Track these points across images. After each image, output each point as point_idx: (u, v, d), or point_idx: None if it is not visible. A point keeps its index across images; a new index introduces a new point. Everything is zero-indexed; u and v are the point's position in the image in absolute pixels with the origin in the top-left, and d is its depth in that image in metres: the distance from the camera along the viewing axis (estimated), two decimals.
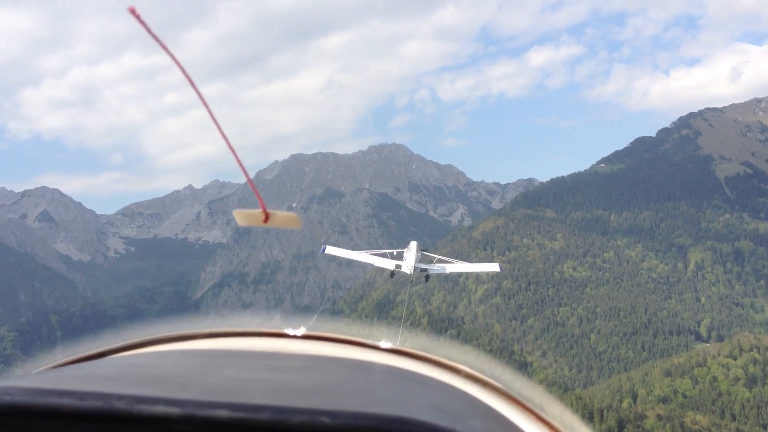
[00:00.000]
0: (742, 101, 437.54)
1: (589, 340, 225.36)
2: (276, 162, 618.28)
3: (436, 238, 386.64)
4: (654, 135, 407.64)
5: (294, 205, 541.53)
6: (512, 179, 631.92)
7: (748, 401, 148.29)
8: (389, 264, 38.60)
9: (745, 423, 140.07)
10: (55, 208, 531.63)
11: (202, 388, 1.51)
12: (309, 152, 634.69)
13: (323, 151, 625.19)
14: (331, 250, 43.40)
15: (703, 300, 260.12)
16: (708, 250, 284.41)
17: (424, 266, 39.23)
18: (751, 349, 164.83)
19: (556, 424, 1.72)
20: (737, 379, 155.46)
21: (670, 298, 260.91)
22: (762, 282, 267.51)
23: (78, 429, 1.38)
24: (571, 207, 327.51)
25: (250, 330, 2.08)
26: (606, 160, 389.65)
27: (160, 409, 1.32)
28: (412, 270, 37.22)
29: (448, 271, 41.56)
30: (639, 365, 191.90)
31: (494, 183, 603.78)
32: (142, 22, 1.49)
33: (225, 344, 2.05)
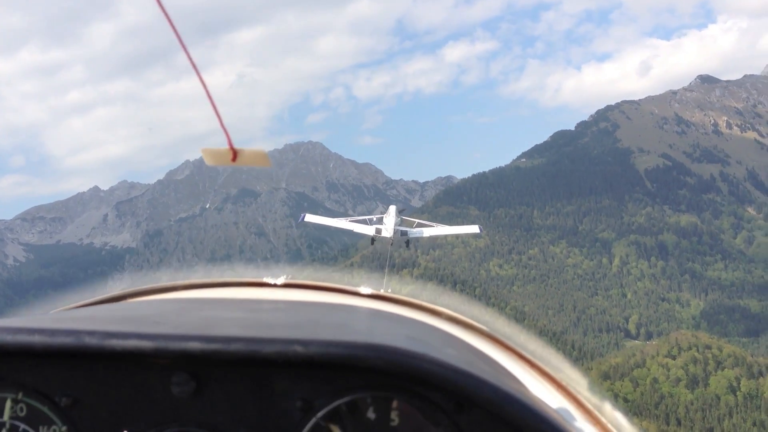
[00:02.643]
0: (658, 93, 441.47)
1: None
2: (187, 162, 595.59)
3: (357, 239, 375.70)
4: (573, 128, 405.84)
5: (207, 206, 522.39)
6: (431, 177, 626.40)
7: (692, 404, 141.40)
8: (369, 230, 38.52)
9: (692, 428, 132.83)
10: None
11: (176, 325, 1.51)
12: None
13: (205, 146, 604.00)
14: (310, 218, 43.94)
15: (629, 296, 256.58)
16: (632, 245, 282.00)
17: (404, 229, 39.13)
18: (690, 348, 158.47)
19: (537, 362, 1.74)
20: (678, 380, 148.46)
21: (596, 294, 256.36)
22: (686, 276, 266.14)
23: (51, 367, 1.39)
24: (494, 203, 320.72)
25: (230, 280, 2.08)
26: (526, 154, 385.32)
27: (132, 343, 1.31)
28: (392, 233, 37.38)
29: (428, 234, 41.38)
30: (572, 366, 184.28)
31: (413, 181, 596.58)
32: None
33: (205, 293, 2.06)
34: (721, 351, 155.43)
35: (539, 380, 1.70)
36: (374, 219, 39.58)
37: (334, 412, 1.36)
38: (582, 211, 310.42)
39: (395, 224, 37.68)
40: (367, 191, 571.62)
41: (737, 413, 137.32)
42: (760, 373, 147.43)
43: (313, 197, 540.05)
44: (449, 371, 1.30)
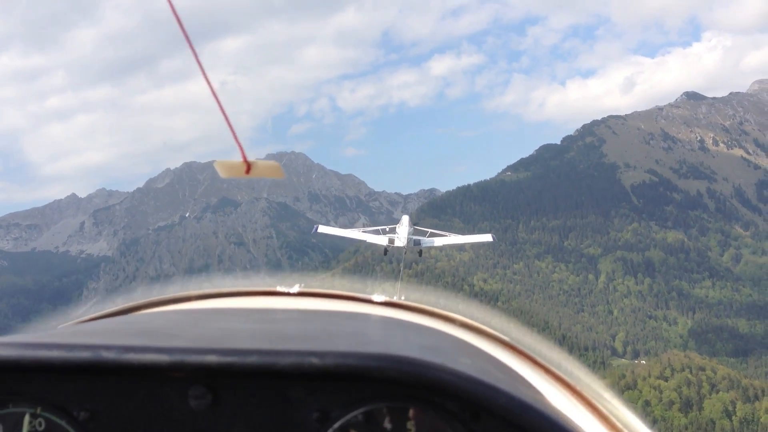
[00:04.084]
0: (644, 109, 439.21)
1: None
2: (168, 170, 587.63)
3: (338, 251, 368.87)
4: (558, 143, 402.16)
5: (187, 215, 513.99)
6: (414, 190, 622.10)
7: (686, 428, 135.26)
8: (382, 240, 38.42)
9: None
10: None
11: (192, 338, 1.51)
12: (203, 161, 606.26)
13: (218, 159, 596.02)
14: (324, 229, 44.77)
15: (615, 313, 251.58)
16: (618, 261, 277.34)
17: (417, 238, 38.99)
18: (683, 369, 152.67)
19: (553, 368, 1.73)
20: (672, 402, 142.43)
21: (582, 311, 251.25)
22: (674, 294, 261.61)
23: (69, 382, 1.39)
24: (479, 217, 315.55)
25: (243, 290, 2.08)
26: (512, 168, 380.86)
27: (149, 357, 1.32)
28: (406, 243, 37.21)
29: (441, 244, 41.59)
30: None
31: (396, 193, 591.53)
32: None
33: (218, 303, 2.06)
34: (715, 373, 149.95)
35: (555, 387, 1.70)
36: (387, 229, 39.53)
37: (351, 422, 1.36)
38: (568, 226, 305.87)
39: (408, 234, 37.60)
40: (349, 202, 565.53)
41: None
42: (756, 397, 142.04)
43: (294, 207, 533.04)
44: (464, 380, 1.30)
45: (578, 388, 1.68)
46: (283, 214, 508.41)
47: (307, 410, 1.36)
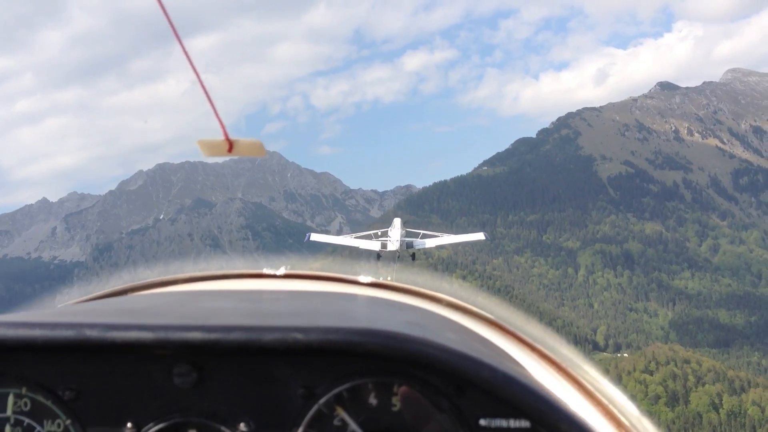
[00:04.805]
0: (618, 101, 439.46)
1: None
2: (140, 172, 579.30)
3: (316, 250, 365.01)
4: (534, 136, 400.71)
5: (161, 217, 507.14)
6: (390, 186, 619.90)
7: (674, 423, 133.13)
8: (375, 245, 38.46)
9: None
10: None
11: (176, 316, 1.52)
12: (176, 162, 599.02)
13: (191, 160, 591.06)
14: (316, 237, 44.41)
15: (596, 306, 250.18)
16: (597, 254, 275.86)
17: (409, 240, 39.09)
18: (668, 363, 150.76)
19: (538, 346, 1.73)
20: (658, 397, 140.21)
21: (563, 305, 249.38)
22: (653, 285, 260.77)
23: (53, 362, 1.40)
24: (456, 212, 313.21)
25: (230, 272, 2.08)
26: (488, 162, 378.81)
27: (133, 334, 1.32)
28: (399, 246, 37.20)
29: (434, 245, 41.33)
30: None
31: (372, 190, 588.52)
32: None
33: (205, 286, 2.06)
34: (700, 365, 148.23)
35: (540, 364, 1.71)
36: (378, 233, 39.69)
37: (336, 398, 1.37)
38: (546, 220, 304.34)
39: (401, 236, 37.47)
40: (325, 201, 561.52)
41: None
42: (742, 389, 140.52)
43: (270, 207, 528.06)
44: (448, 354, 1.31)
45: (563, 364, 1.69)
46: (258, 214, 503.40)
47: (292, 387, 1.37)
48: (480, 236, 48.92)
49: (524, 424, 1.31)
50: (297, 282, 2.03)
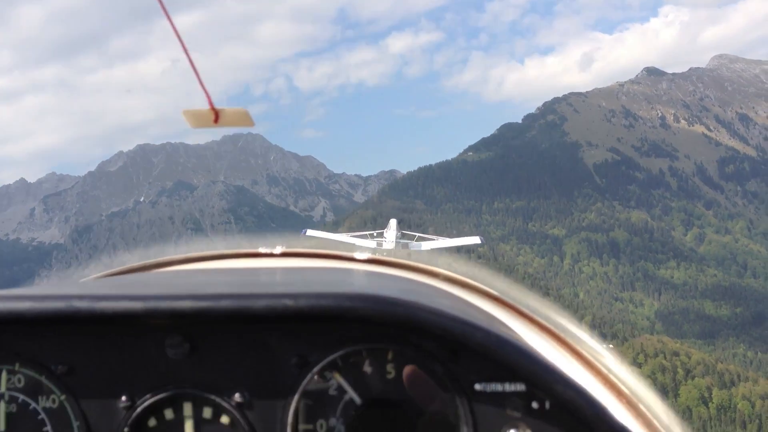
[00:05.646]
0: (604, 86, 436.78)
1: None
2: (121, 153, 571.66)
3: (299, 235, 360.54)
4: (520, 121, 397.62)
5: (142, 199, 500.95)
6: (374, 171, 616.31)
7: None
8: (371, 244, 37.93)
9: None
10: None
11: (167, 287, 1.52)
12: (157, 143, 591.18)
13: (173, 141, 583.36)
14: (312, 233, 45.63)
15: (582, 295, 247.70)
16: (583, 242, 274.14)
17: (405, 242, 40.19)
18: (657, 355, 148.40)
19: (537, 318, 1.70)
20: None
21: (548, 294, 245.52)
22: (639, 275, 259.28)
23: (44, 336, 1.40)
24: (441, 198, 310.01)
25: (226, 252, 2.04)
26: (473, 147, 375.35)
27: (123, 304, 1.32)
28: (393, 246, 35.70)
29: (429, 248, 38.78)
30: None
31: (356, 175, 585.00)
32: None
33: (202, 266, 2.02)
34: (689, 358, 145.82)
35: (538, 334, 1.67)
36: (374, 234, 40.47)
37: (330, 366, 1.37)
38: (531, 207, 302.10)
39: (396, 237, 38.64)
40: (309, 185, 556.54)
41: (711, 427, 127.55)
42: (732, 383, 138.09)
43: (253, 191, 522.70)
44: (441, 317, 1.30)
45: (561, 334, 1.65)
46: (241, 197, 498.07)
47: (285, 356, 1.37)
48: (476, 240, 51.38)
49: (520, 387, 1.30)
50: (294, 260, 2.02)
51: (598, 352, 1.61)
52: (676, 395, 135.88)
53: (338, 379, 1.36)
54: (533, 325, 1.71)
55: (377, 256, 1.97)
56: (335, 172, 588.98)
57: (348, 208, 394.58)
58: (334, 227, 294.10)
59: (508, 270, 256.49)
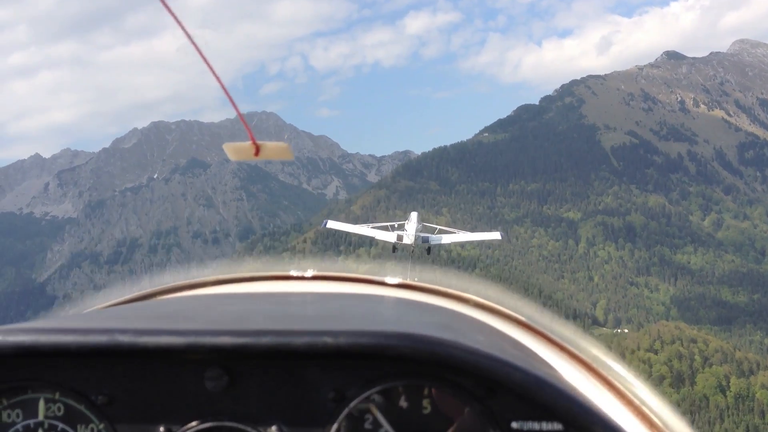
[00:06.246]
0: (624, 69, 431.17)
1: None
2: (135, 130, 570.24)
3: (310, 213, 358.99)
4: (537, 103, 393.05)
5: (155, 176, 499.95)
6: (388, 152, 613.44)
7: (679, 405, 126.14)
8: (391, 236, 38.88)
9: None
10: None
11: (207, 320, 1.54)
12: (172, 120, 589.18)
13: (187, 119, 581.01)
14: (332, 224, 44.57)
15: (596, 279, 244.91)
16: (598, 226, 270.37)
17: (425, 235, 39.45)
18: (673, 342, 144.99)
19: (567, 346, 1.73)
20: (662, 377, 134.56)
21: (563, 277, 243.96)
22: (655, 259, 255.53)
23: (86, 367, 1.42)
24: (456, 179, 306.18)
25: (257, 274, 2.10)
26: (489, 129, 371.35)
27: (165, 339, 1.34)
28: (413, 240, 37.43)
29: (449, 241, 41.40)
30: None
31: (370, 155, 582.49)
32: None
33: (233, 288, 2.07)
34: (707, 345, 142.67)
35: (571, 364, 1.70)
36: (395, 225, 39.71)
37: (367, 401, 1.38)
38: (547, 190, 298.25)
39: (416, 230, 37.63)
40: (322, 164, 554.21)
41: (728, 416, 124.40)
42: (751, 371, 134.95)
43: (266, 170, 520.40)
44: (479, 357, 1.31)
45: (593, 364, 1.67)
46: (253, 176, 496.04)
47: (323, 390, 1.38)
48: (496, 236, 50.50)
49: (557, 426, 1.31)
50: (324, 283, 2.05)
51: (632, 384, 1.61)
52: (693, 383, 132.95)
53: (374, 413, 1.38)
54: (564, 353, 1.73)
55: (408, 282, 2.00)
56: (349, 151, 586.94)
57: (361, 188, 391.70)
58: (347, 205, 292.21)
59: (523, 251, 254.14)
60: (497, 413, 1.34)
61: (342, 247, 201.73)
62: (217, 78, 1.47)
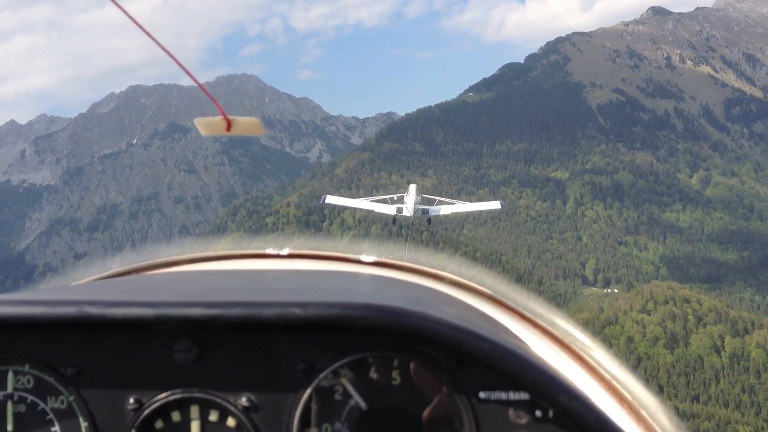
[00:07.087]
0: (609, 26, 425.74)
1: None
2: (112, 94, 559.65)
3: (294, 176, 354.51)
4: (522, 61, 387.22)
5: (134, 142, 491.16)
6: (371, 113, 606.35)
7: (674, 367, 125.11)
8: (390, 209, 39.11)
9: (676, 396, 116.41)
10: None
11: (177, 293, 1.53)
12: (150, 84, 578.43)
13: (166, 83, 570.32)
14: (331, 199, 44.56)
15: (585, 239, 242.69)
16: (586, 185, 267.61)
17: (425, 207, 39.92)
18: (666, 302, 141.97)
19: (541, 323, 1.74)
20: (656, 338, 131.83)
21: (551, 238, 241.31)
22: (644, 218, 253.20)
23: (56, 339, 1.42)
24: (441, 140, 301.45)
25: (233, 253, 2.09)
26: (474, 88, 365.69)
27: (133, 311, 1.33)
28: (413, 212, 37.96)
29: (449, 212, 41.96)
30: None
31: (353, 117, 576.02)
32: None
33: (208, 266, 2.07)
34: (701, 305, 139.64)
35: (542, 339, 1.72)
36: (395, 198, 39.97)
37: (336, 373, 1.39)
38: (533, 149, 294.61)
39: (415, 203, 37.95)
40: (305, 127, 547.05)
41: (724, 377, 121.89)
42: (746, 330, 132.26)
43: None
44: (447, 328, 1.32)
45: (565, 339, 1.70)
46: (235, 140, 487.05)
47: (292, 362, 1.38)
48: (496, 205, 49.88)
49: (524, 396, 1.33)
50: (300, 261, 2.05)
51: (601, 358, 1.62)
52: (687, 344, 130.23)
53: (344, 384, 1.39)
54: (537, 329, 1.74)
55: (383, 260, 2.00)
56: (332, 114, 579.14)
57: (345, 151, 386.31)
58: (331, 168, 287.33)
59: (510, 212, 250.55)
60: (466, 384, 1.36)
61: (326, 211, 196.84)
62: (168, 52, 1.49)
